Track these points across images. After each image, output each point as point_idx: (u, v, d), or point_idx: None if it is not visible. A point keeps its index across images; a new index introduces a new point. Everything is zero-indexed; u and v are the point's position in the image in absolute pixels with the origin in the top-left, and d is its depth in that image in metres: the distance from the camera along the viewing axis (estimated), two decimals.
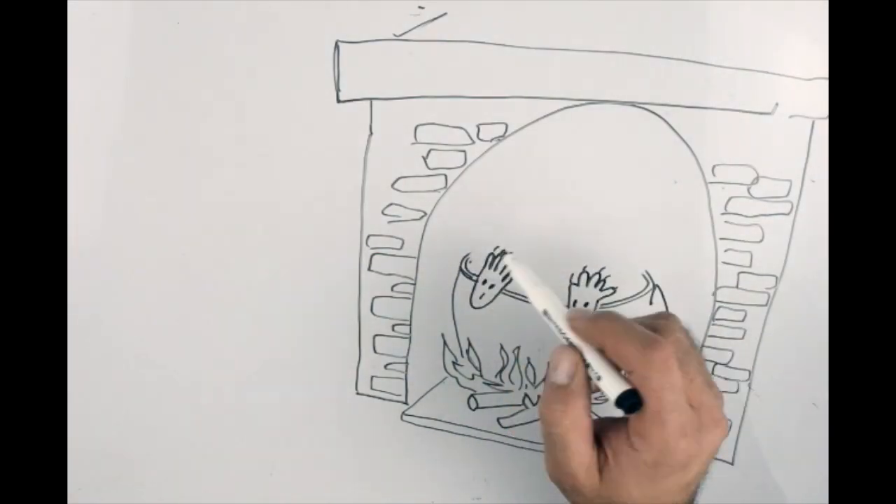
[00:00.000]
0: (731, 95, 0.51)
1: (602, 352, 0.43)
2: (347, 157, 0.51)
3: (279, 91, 0.50)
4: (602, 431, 0.44)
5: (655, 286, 0.55)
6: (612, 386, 0.42)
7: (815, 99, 0.51)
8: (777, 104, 0.51)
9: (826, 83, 0.51)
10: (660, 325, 0.43)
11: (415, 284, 0.54)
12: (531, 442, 0.58)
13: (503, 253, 0.53)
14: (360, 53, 0.49)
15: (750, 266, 0.54)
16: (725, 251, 0.54)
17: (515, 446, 0.58)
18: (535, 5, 0.49)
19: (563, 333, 0.44)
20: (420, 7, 0.48)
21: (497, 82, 0.50)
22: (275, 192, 0.52)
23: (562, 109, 0.51)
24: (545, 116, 0.51)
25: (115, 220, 0.52)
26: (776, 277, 0.54)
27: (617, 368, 0.43)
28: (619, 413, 0.42)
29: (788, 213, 0.53)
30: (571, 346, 0.44)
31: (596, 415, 0.44)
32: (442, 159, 0.51)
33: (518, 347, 0.56)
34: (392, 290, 0.54)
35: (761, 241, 0.54)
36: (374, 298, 0.54)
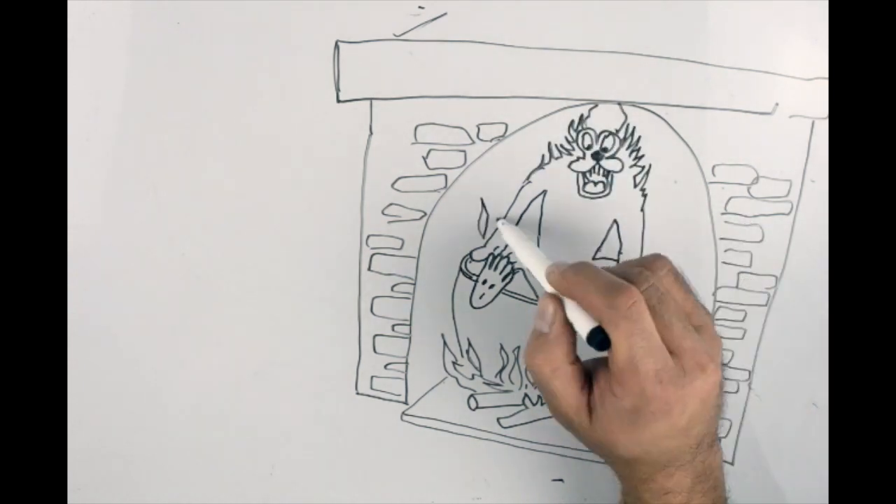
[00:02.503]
0: (731, 95, 0.51)
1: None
2: (347, 157, 0.51)
3: (279, 91, 0.50)
4: (593, 374, 0.45)
5: None
6: (582, 326, 0.43)
7: (815, 99, 0.51)
8: (777, 104, 0.51)
9: (826, 83, 0.51)
10: (633, 273, 0.44)
11: (415, 284, 0.54)
12: (531, 442, 0.58)
13: (497, 219, 0.53)
14: (360, 53, 0.49)
15: (750, 266, 0.54)
16: (725, 251, 0.54)
17: (515, 446, 0.58)
18: (534, 5, 0.49)
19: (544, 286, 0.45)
20: (420, 7, 0.48)
21: (497, 82, 0.50)
22: (275, 192, 0.52)
23: (562, 109, 0.51)
24: (545, 116, 0.51)
25: (115, 220, 0.52)
26: (776, 277, 0.54)
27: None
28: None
29: (788, 213, 0.53)
30: (553, 295, 0.45)
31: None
32: (442, 159, 0.51)
33: (518, 347, 0.56)
34: (392, 290, 0.54)
35: (761, 241, 0.54)
36: (374, 298, 0.54)
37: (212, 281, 0.53)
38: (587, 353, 0.44)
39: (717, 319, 0.55)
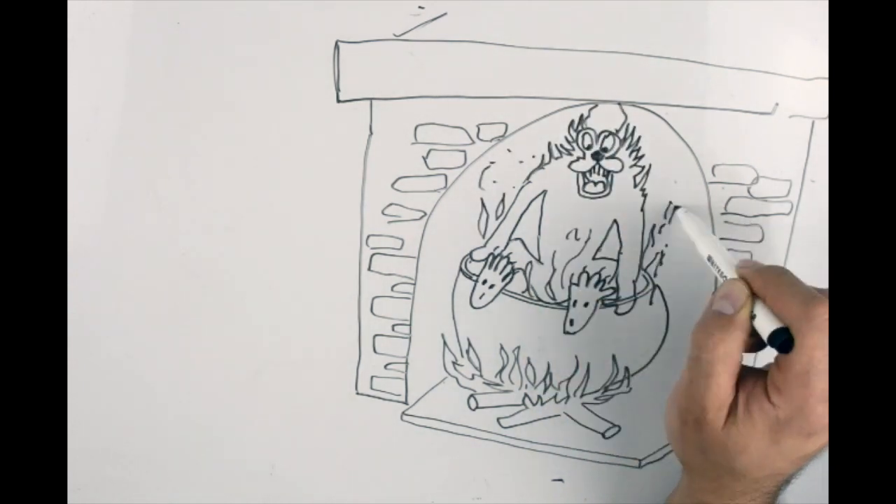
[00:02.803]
0: (731, 95, 0.51)
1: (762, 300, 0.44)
2: (347, 157, 0.51)
3: (279, 91, 0.50)
4: (741, 377, 0.44)
5: (656, 286, 0.55)
6: (766, 322, 0.43)
7: (815, 99, 0.51)
8: (777, 104, 0.51)
9: (826, 83, 0.51)
10: (818, 292, 0.44)
11: (415, 284, 0.54)
12: (531, 442, 0.58)
13: (675, 207, 0.53)
14: (360, 53, 0.49)
15: None
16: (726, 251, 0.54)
17: (515, 446, 0.58)
18: (534, 5, 0.49)
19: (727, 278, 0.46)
20: (420, 7, 0.48)
21: (497, 82, 0.50)
22: (275, 191, 0.52)
23: (561, 109, 0.51)
24: (545, 116, 0.51)
25: (115, 220, 0.52)
26: None
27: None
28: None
29: (788, 213, 0.54)
30: (740, 280, 0.45)
31: None
32: (442, 159, 0.51)
33: (518, 347, 0.56)
34: (392, 290, 0.54)
35: (761, 241, 0.54)
36: (374, 298, 0.54)
37: (212, 281, 0.53)
38: None
39: None
